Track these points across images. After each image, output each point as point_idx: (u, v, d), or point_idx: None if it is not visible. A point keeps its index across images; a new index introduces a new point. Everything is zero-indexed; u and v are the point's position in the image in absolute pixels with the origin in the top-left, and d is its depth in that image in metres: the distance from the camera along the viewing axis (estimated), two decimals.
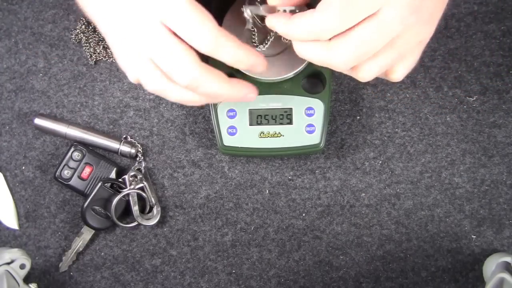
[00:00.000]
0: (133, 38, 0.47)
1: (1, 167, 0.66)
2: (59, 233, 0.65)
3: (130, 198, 0.64)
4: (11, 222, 0.65)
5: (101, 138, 0.65)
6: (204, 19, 0.46)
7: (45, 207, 0.65)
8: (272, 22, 0.48)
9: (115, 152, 0.66)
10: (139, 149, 0.66)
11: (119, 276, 0.65)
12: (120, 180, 0.65)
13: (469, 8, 0.68)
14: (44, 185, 0.66)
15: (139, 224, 0.65)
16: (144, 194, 0.65)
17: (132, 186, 0.65)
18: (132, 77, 0.50)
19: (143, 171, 0.66)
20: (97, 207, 0.64)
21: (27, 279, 0.61)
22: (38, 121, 0.65)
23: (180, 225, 0.66)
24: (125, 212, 0.65)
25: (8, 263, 0.59)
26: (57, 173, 0.64)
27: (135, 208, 0.64)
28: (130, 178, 0.65)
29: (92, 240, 0.65)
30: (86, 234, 0.64)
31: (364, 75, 0.48)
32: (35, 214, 0.65)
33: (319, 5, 0.45)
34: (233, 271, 0.65)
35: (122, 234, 0.65)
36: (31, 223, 0.65)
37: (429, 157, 0.66)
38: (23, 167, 0.66)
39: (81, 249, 0.64)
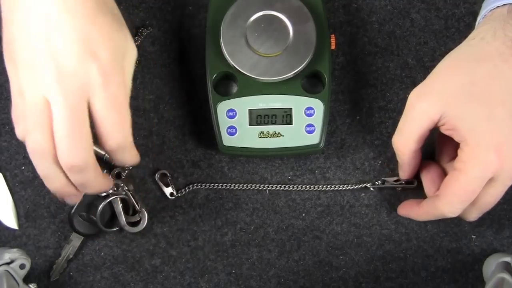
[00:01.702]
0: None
1: (1, 167, 0.66)
2: (59, 233, 0.65)
3: (115, 208, 0.64)
4: (11, 222, 0.65)
5: None
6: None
7: (45, 207, 0.65)
8: (404, 210, 0.63)
9: (101, 159, 0.65)
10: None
11: (119, 276, 0.65)
12: None
13: (469, 8, 0.68)
14: (44, 185, 0.65)
15: (121, 229, 0.64)
16: (127, 199, 0.64)
17: (111, 191, 0.64)
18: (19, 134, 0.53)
19: (123, 176, 0.65)
20: (84, 213, 0.64)
21: (26, 279, 0.61)
22: None
23: (179, 225, 0.66)
24: (115, 215, 0.64)
25: (8, 263, 0.59)
26: None
27: (121, 218, 0.64)
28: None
29: (92, 240, 0.65)
30: (75, 240, 0.64)
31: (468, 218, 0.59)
32: (35, 214, 0.65)
33: (441, 191, 0.55)
34: (233, 271, 0.65)
35: (122, 234, 0.65)
36: (31, 223, 0.65)
37: (429, 157, 0.66)
38: (23, 167, 0.66)
39: (71, 256, 0.64)
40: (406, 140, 0.56)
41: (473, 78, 0.52)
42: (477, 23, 0.59)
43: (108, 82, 0.50)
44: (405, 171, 0.61)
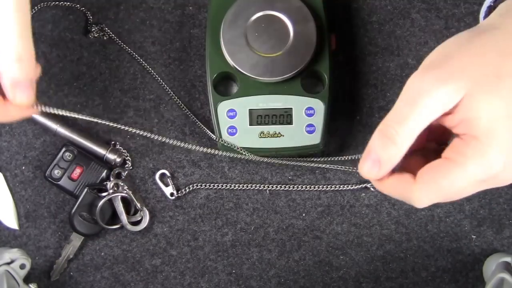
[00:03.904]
0: None
1: (1, 167, 0.66)
2: (59, 233, 0.65)
3: (115, 207, 0.64)
4: (11, 222, 0.65)
5: (88, 142, 0.65)
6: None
7: (45, 207, 0.65)
8: (364, 171, 0.47)
9: (101, 158, 0.65)
10: (126, 157, 0.66)
11: (119, 276, 0.65)
12: (104, 183, 0.65)
13: (469, 8, 0.68)
14: (44, 185, 0.66)
15: (122, 227, 0.64)
16: (128, 198, 0.64)
17: (111, 191, 0.64)
18: None
19: (123, 176, 0.65)
20: (84, 213, 0.64)
21: (27, 279, 0.61)
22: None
23: (180, 225, 0.66)
24: (115, 214, 0.65)
25: (8, 263, 0.59)
26: (47, 173, 0.64)
27: (123, 217, 0.64)
28: (111, 185, 0.64)
29: (92, 240, 0.65)
30: (76, 240, 0.64)
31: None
32: (35, 214, 0.65)
33: (422, 176, 0.45)
34: (233, 271, 0.65)
35: (122, 234, 0.65)
36: (31, 223, 0.65)
37: None
38: (23, 167, 0.66)
39: (71, 256, 0.64)
40: (411, 133, 0.45)
41: (499, 72, 0.46)
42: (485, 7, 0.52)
43: None
44: (387, 169, 0.47)
